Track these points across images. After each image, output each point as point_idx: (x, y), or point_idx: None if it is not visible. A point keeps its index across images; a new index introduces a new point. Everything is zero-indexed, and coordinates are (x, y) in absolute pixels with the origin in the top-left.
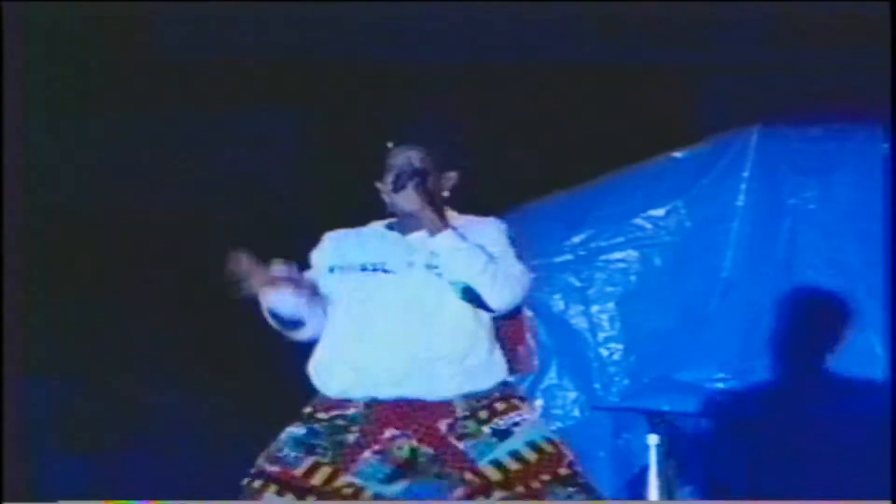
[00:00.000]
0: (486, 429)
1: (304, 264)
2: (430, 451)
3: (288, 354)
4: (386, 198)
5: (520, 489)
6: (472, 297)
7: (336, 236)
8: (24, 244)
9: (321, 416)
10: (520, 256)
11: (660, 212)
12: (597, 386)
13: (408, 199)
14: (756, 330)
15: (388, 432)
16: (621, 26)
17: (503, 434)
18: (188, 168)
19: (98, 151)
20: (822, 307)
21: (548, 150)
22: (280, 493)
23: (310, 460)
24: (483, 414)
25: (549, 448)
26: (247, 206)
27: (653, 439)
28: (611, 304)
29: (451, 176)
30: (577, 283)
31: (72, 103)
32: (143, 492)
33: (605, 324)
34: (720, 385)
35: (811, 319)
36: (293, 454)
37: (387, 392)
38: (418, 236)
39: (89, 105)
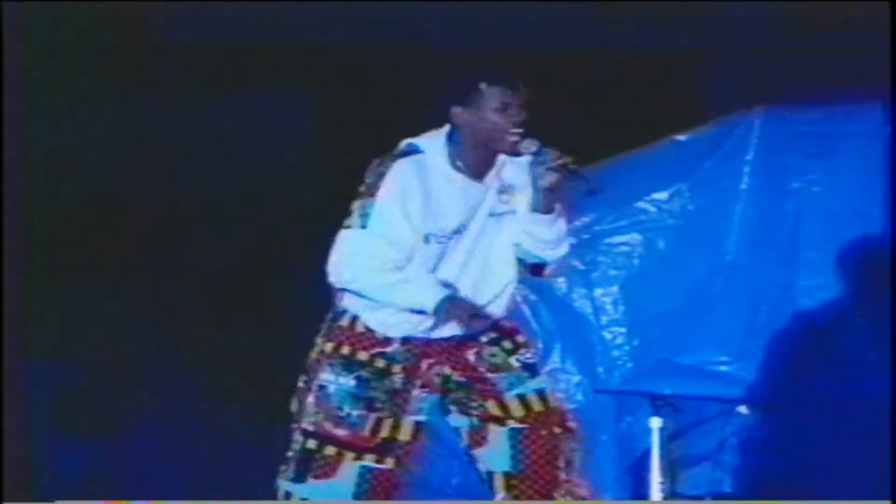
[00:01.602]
0: (514, 361)
1: (305, 254)
2: (461, 378)
3: (290, 340)
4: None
5: (535, 430)
6: (535, 265)
7: (416, 194)
8: (24, 231)
9: (361, 357)
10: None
11: (663, 195)
12: (600, 369)
13: (547, 178)
14: (759, 313)
15: (425, 363)
16: (625, 10)
17: (532, 369)
18: (190, 158)
19: (99, 142)
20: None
21: (551, 134)
22: (357, 459)
23: (372, 418)
24: (507, 344)
25: (556, 399)
26: (251, 195)
27: (655, 422)
28: (614, 288)
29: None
30: (581, 267)
31: (72, 99)
32: (145, 480)
33: (609, 307)
34: (723, 368)
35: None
36: (355, 413)
37: (422, 333)
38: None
39: (90, 100)
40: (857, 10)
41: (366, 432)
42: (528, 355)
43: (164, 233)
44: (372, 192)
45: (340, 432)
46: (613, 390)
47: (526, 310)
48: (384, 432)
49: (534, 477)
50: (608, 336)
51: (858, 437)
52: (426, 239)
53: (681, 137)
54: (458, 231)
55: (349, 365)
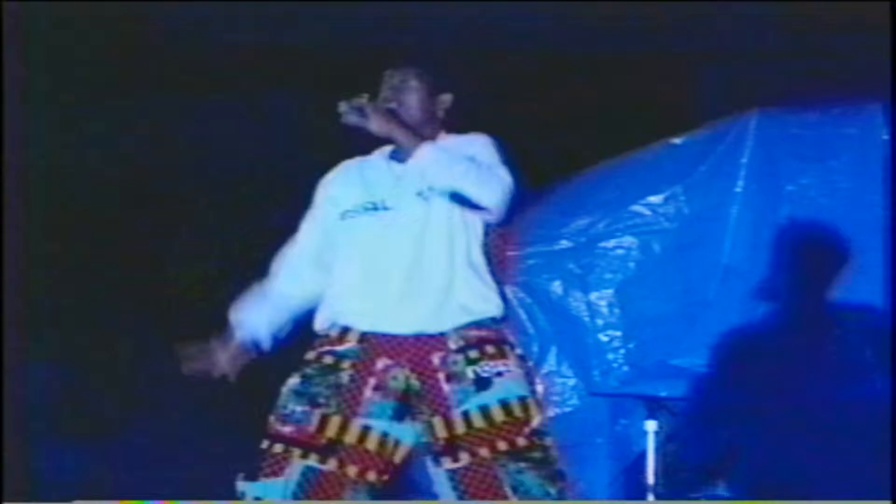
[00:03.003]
0: (470, 372)
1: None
2: (418, 384)
3: (286, 340)
4: (362, 123)
5: (472, 453)
6: (462, 200)
7: (341, 178)
8: (24, 231)
9: (310, 356)
10: (505, 164)
11: (658, 198)
12: (595, 372)
13: (375, 122)
14: (755, 316)
15: (381, 363)
16: (619, 13)
17: (483, 383)
18: (190, 158)
19: (99, 142)
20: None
21: (546, 137)
22: (304, 457)
23: (317, 414)
24: (473, 353)
25: (518, 411)
26: (251, 195)
27: (651, 425)
28: (610, 291)
29: (445, 98)
30: (577, 270)
31: (72, 99)
32: (144, 481)
33: (604, 310)
34: (718, 371)
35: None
36: (299, 409)
37: (384, 327)
38: (413, 162)
39: (90, 99)
40: (857, 10)
41: (311, 429)
42: (487, 367)
43: (163, 234)
44: None
45: (286, 429)
46: (609, 393)
47: (521, 313)
48: (330, 432)
49: None
50: (604, 339)
51: (858, 438)
52: (342, 216)
53: (676, 141)
54: (375, 207)
55: (299, 365)
